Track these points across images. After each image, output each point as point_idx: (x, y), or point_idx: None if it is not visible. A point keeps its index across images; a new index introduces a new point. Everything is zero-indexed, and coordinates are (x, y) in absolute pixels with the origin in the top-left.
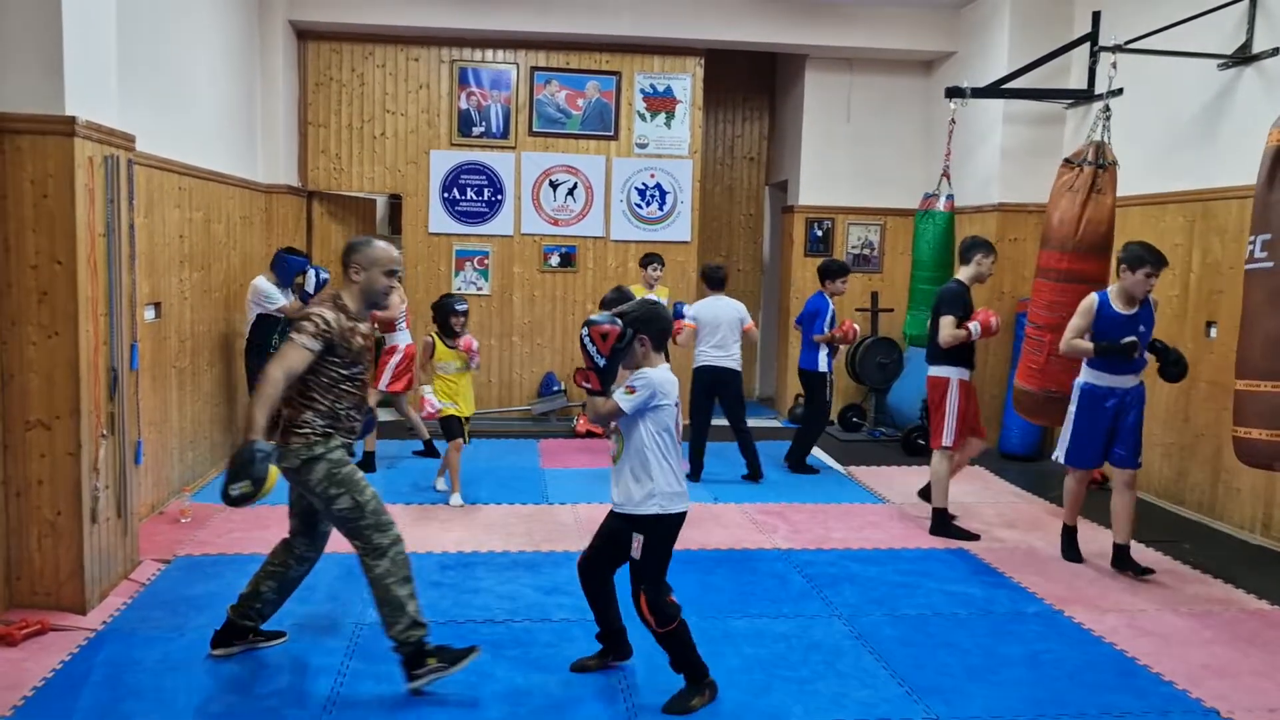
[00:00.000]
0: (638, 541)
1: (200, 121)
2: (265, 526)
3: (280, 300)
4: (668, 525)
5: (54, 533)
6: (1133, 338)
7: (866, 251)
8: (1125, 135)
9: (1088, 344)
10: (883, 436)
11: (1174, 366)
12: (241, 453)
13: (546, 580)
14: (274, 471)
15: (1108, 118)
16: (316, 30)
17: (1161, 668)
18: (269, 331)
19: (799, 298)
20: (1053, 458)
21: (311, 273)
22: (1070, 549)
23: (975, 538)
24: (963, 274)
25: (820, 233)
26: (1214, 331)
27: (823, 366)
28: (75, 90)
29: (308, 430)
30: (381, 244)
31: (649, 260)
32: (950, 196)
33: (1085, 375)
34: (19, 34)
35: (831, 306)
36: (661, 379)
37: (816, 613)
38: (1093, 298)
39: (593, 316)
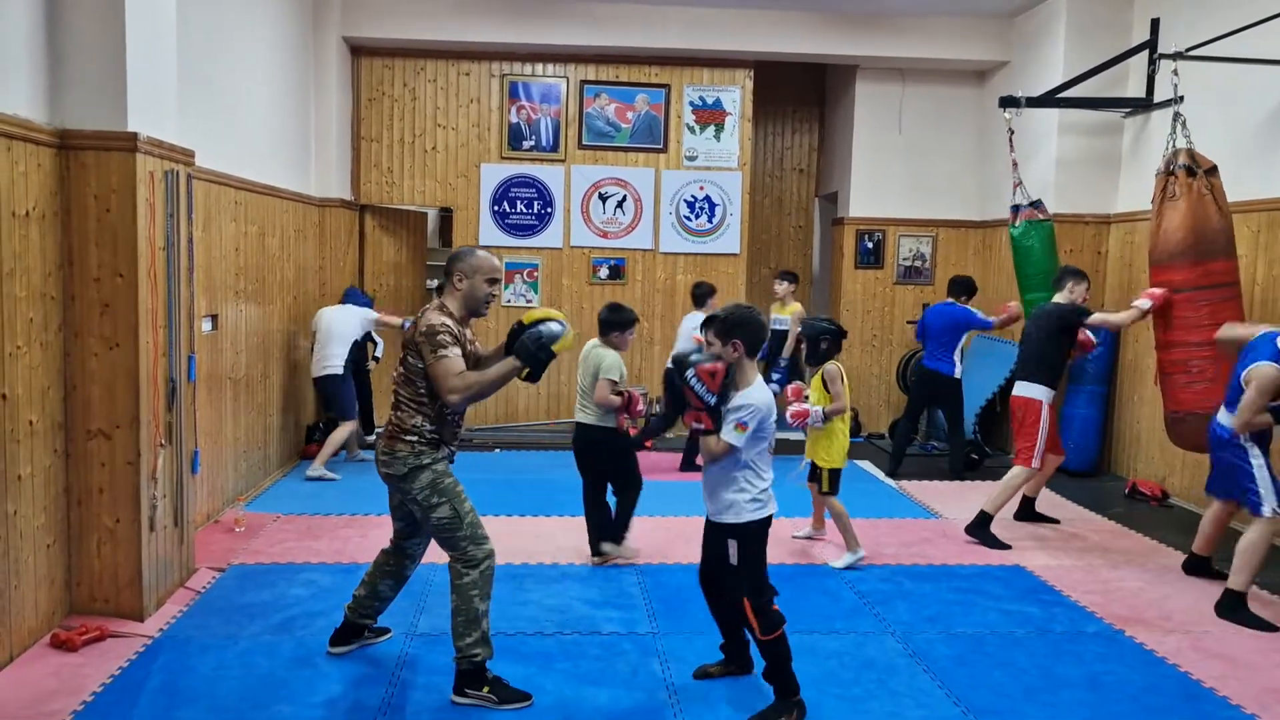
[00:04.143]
0: (733, 547)
1: (255, 136)
2: (317, 537)
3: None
4: (757, 529)
5: (113, 540)
6: None
7: (918, 264)
8: (1178, 143)
9: (1266, 418)
10: (935, 451)
11: None
12: (523, 352)
13: (596, 593)
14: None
15: (1182, 124)
16: (369, 46)
17: (1228, 691)
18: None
19: (849, 310)
20: (1267, 512)
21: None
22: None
23: (1006, 547)
24: (1059, 299)
25: (871, 245)
26: None
27: (958, 373)
28: (137, 107)
29: (415, 438)
30: (484, 252)
31: (780, 277)
32: (1027, 205)
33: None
34: (83, 53)
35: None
36: (765, 402)
37: (869, 630)
38: (1270, 369)
39: (690, 355)
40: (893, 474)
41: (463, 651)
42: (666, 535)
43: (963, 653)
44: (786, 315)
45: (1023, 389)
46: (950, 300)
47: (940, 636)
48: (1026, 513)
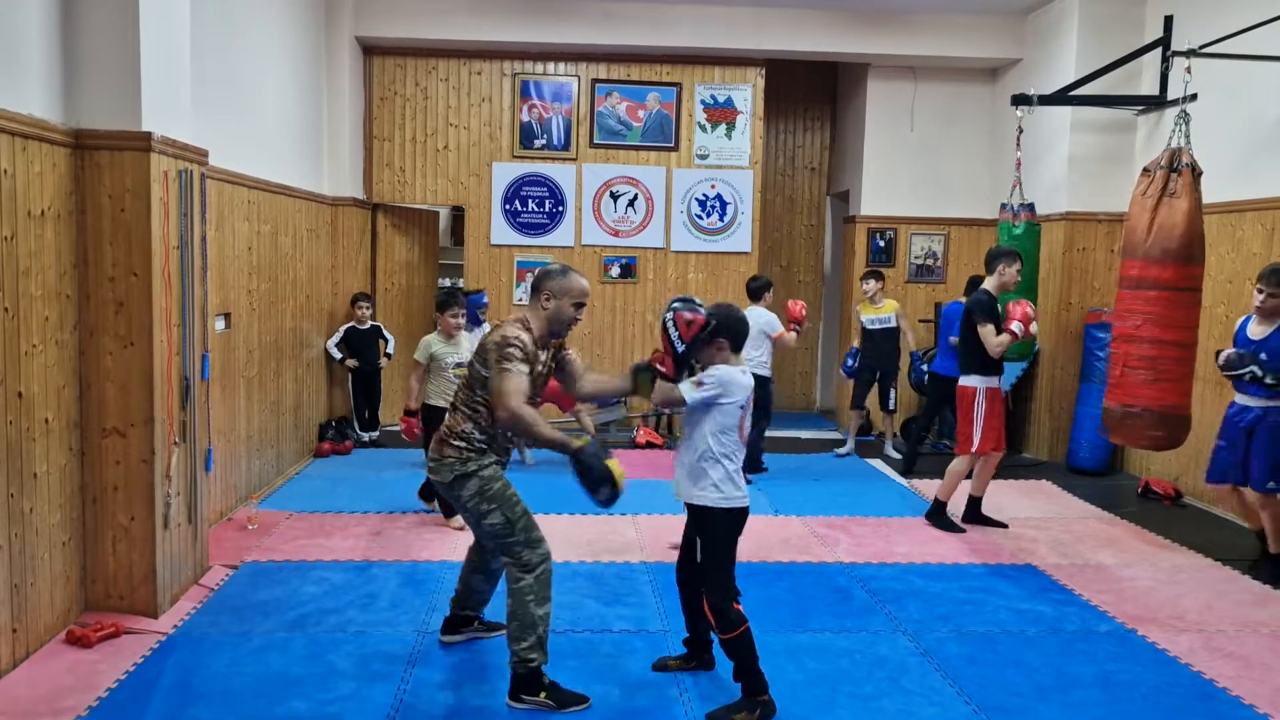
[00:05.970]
0: (698, 536)
1: (268, 136)
2: (329, 535)
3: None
4: (724, 520)
5: (128, 538)
6: (1227, 352)
7: (930, 262)
8: (1200, 142)
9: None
10: (947, 449)
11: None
12: (582, 462)
13: (608, 592)
14: (613, 464)
15: (1186, 122)
16: (382, 46)
17: (1241, 690)
18: None
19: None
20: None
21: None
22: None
23: (962, 530)
24: (989, 284)
25: (883, 243)
26: None
27: None
28: (151, 107)
29: (463, 444)
30: (577, 275)
31: (866, 276)
32: (1024, 207)
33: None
34: (98, 53)
35: None
36: (731, 378)
37: (880, 628)
38: (1238, 321)
39: (679, 302)
40: (906, 473)
41: (518, 655)
42: (678, 534)
43: (974, 651)
44: (889, 313)
45: (961, 380)
46: (964, 300)
47: (952, 635)
48: (972, 515)
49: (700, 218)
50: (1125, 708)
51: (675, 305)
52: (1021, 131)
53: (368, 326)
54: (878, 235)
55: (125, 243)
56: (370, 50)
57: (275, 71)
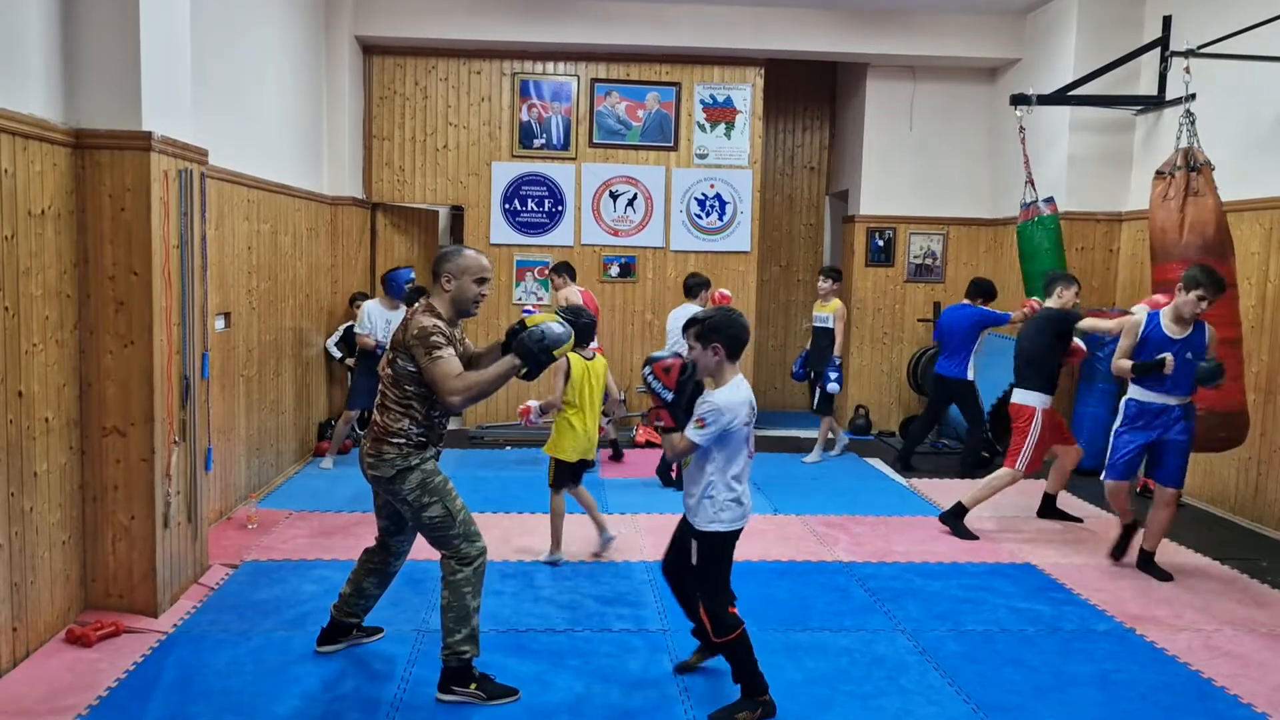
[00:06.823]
0: (694, 547)
1: (268, 135)
2: (329, 534)
3: (365, 328)
4: (723, 539)
5: (128, 536)
6: (1165, 355)
7: (929, 261)
8: (1199, 141)
9: (1126, 363)
10: (945, 448)
11: (1202, 369)
12: (528, 366)
13: (607, 590)
14: (544, 331)
15: (1191, 122)
16: (381, 45)
17: (1239, 689)
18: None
19: (859, 308)
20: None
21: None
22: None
23: (974, 538)
24: (1049, 304)
25: (881, 242)
26: None
27: (970, 374)
28: (151, 106)
29: (402, 440)
30: (471, 252)
31: (822, 274)
32: (1050, 200)
33: (1131, 391)
34: (98, 53)
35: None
36: (729, 402)
37: (879, 627)
38: (1140, 317)
39: (652, 354)
40: (903, 472)
41: (451, 648)
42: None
43: (973, 650)
44: (828, 312)
45: (1018, 396)
46: (966, 302)
47: (950, 634)
48: (1048, 510)
49: (700, 217)
50: (1123, 707)
51: (649, 358)
52: (1024, 130)
53: None
54: (877, 235)
55: (125, 242)
56: (370, 50)
57: (275, 71)
